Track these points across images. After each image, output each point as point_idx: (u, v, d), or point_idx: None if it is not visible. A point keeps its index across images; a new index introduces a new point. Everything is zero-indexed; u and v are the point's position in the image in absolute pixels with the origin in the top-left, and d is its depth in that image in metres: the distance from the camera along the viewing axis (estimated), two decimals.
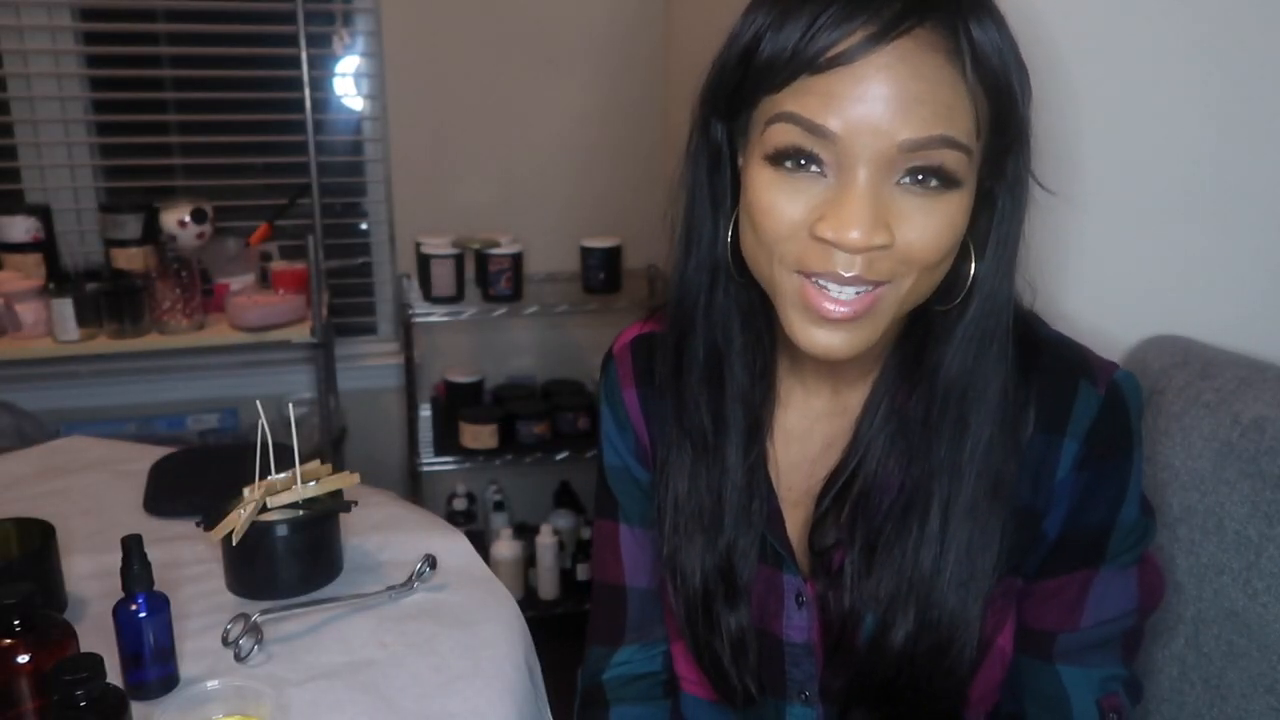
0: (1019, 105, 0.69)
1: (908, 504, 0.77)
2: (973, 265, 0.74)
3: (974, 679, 0.82)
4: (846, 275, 0.67)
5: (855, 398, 0.82)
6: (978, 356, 0.75)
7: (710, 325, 0.82)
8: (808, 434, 0.85)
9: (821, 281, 0.69)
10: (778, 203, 0.69)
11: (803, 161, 0.67)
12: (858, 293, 0.69)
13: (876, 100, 0.64)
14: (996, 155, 0.71)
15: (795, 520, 0.85)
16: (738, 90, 0.72)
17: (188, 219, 2.09)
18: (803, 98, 0.66)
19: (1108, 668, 0.81)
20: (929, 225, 0.67)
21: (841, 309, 0.68)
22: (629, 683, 0.96)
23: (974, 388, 0.76)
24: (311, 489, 1.02)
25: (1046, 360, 0.78)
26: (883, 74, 0.64)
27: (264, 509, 0.99)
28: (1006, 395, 0.76)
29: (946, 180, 0.67)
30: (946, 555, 0.76)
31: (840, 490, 0.80)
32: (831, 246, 0.67)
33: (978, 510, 0.76)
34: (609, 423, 0.94)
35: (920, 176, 0.66)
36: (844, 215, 0.66)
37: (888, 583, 0.77)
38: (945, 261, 0.70)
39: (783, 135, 0.67)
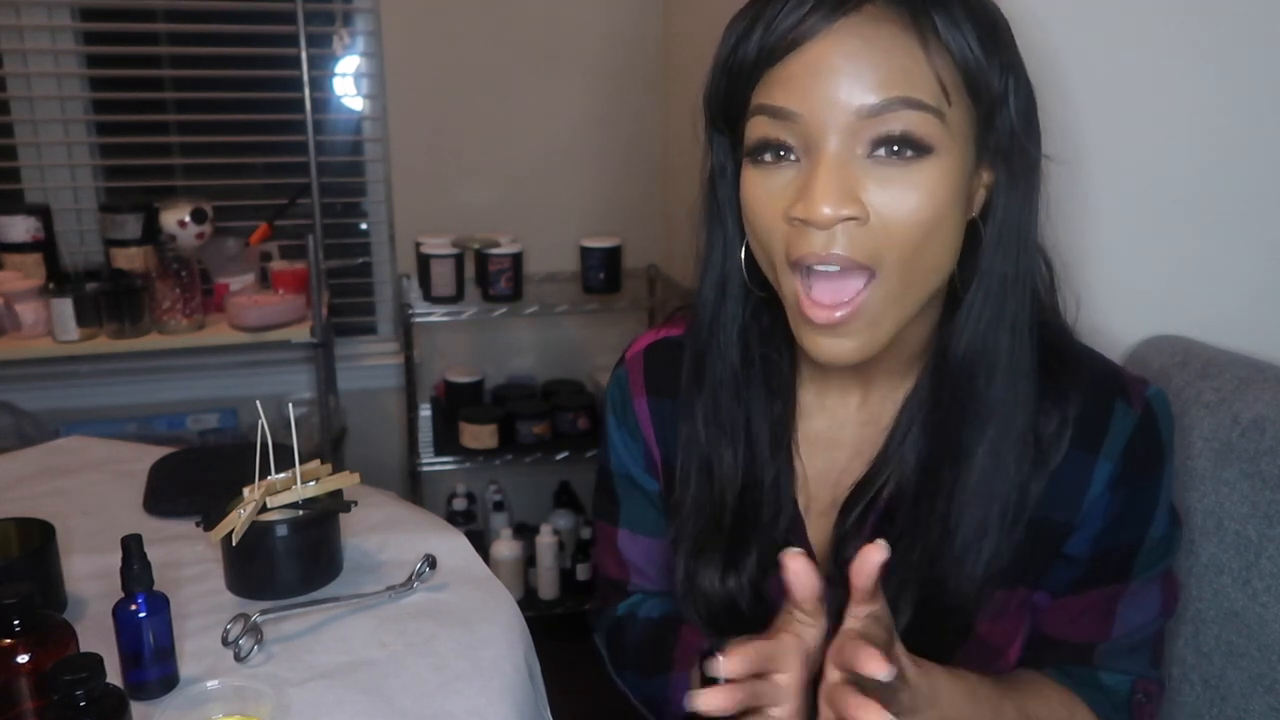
0: (987, 70, 0.69)
1: (932, 505, 0.77)
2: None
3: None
4: (825, 253, 0.67)
5: (888, 407, 0.81)
6: (986, 336, 0.74)
7: (728, 340, 0.82)
8: (835, 443, 0.84)
9: (811, 281, 0.69)
10: (759, 197, 0.71)
11: (780, 152, 0.69)
12: (843, 300, 0.68)
13: (831, 73, 0.66)
14: (979, 125, 0.71)
15: (820, 529, 0.83)
16: (727, 102, 0.74)
17: (188, 219, 2.09)
18: (769, 89, 0.69)
19: (1139, 670, 0.84)
20: (904, 195, 0.67)
21: (828, 314, 0.69)
22: (648, 598, 0.96)
23: (984, 367, 0.74)
24: (311, 489, 1.02)
25: (1086, 378, 0.77)
26: (834, 49, 0.66)
27: (264, 509, 0.99)
28: (1023, 382, 0.75)
29: (917, 146, 0.67)
30: (954, 538, 0.75)
31: (867, 504, 0.80)
32: (805, 226, 0.67)
33: (984, 491, 0.75)
34: (616, 432, 0.93)
35: (895, 148, 0.66)
36: (812, 192, 0.66)
37: (895, 580, 0.77)
38: (935, 240, 0.69)
39: (756, 129, 0.70)
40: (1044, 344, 0.77)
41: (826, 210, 0.66)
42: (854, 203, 0.66)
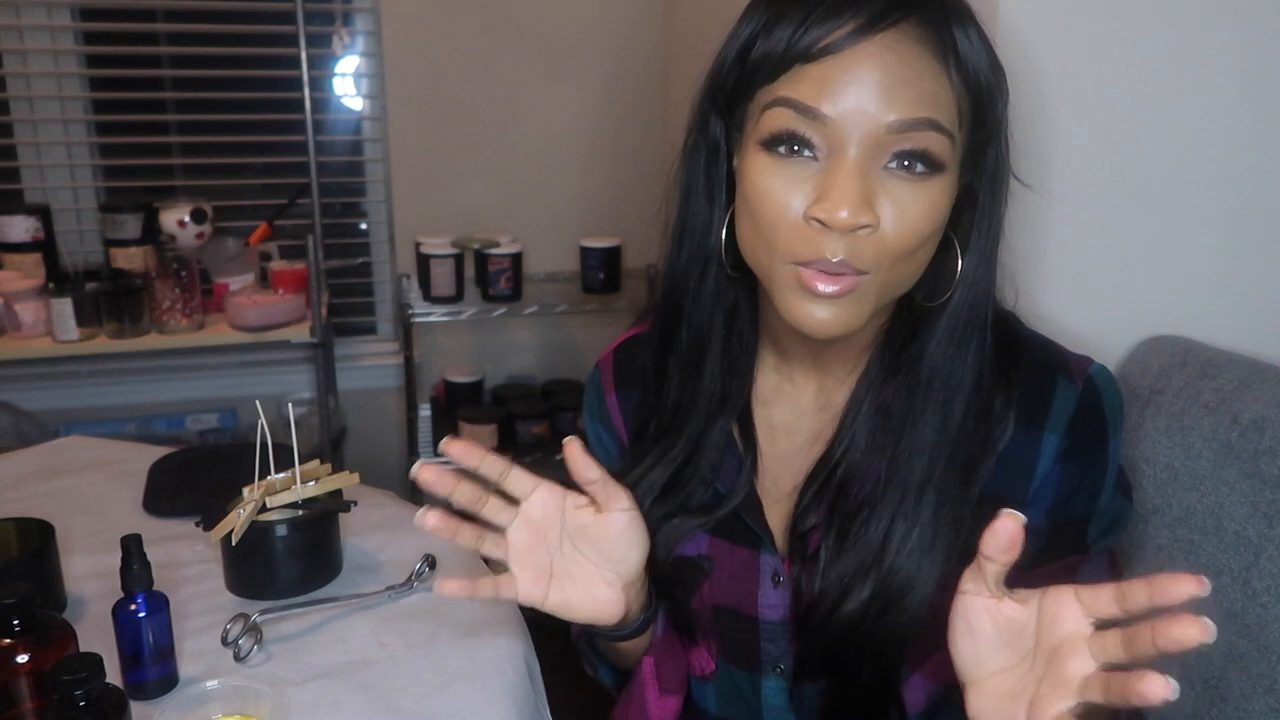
0: (997, 104, 0.74)
1: (885, 487, 0.79)
2: (959, 261, 0.77)
3: (927, 658, 0.81)
4: (834, 261, 0.70)
5: (841, 393, 0.84)
6: (960, 347, 0.78)
7: (699, 313, 0.84)
8: (795, 429, 0.87)
9: (808, 270, 0.71)
10: (772, 187, 0.72)
11: (795, 147, 0.71)
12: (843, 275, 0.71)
13: (866, 84, 0.68)
14: (976, 150, 0.75)
15: (781, 511, 0.86)
16: (736, 85, 0.75)
17: (187, 219, 2.09)
18: (797, 84, 0.70)
19: None
20: (911, 210, 0.70)
21: (831, 286, 0.71)
22: None
23: (954, 376, 0.79)
24: (311, 489, 1.02)
25: (1026, 360, 0.80)
26: (871, 60, 0.68)
27: (264, 509, 0.99)
28: (981, 385, 0.79)
29: (931, 164, 0.70)
30: (911, 530, 0.78)
31: (824, 480, 0.82)
32: (821, 228, 0.70)
33: (945, 492, 0.78)
34: (591, 430, 0.97)
35: (906, 162, 0.70)
36: (834, 195, 0.69)
37: (852, 559, 0.79)
38: (924, 249, 0.73)
39: (777, 120, 0.71)
40: (992, 330, 0.80)
41: (846, 215, 0.68)
42: (870, 212, 0.69)
